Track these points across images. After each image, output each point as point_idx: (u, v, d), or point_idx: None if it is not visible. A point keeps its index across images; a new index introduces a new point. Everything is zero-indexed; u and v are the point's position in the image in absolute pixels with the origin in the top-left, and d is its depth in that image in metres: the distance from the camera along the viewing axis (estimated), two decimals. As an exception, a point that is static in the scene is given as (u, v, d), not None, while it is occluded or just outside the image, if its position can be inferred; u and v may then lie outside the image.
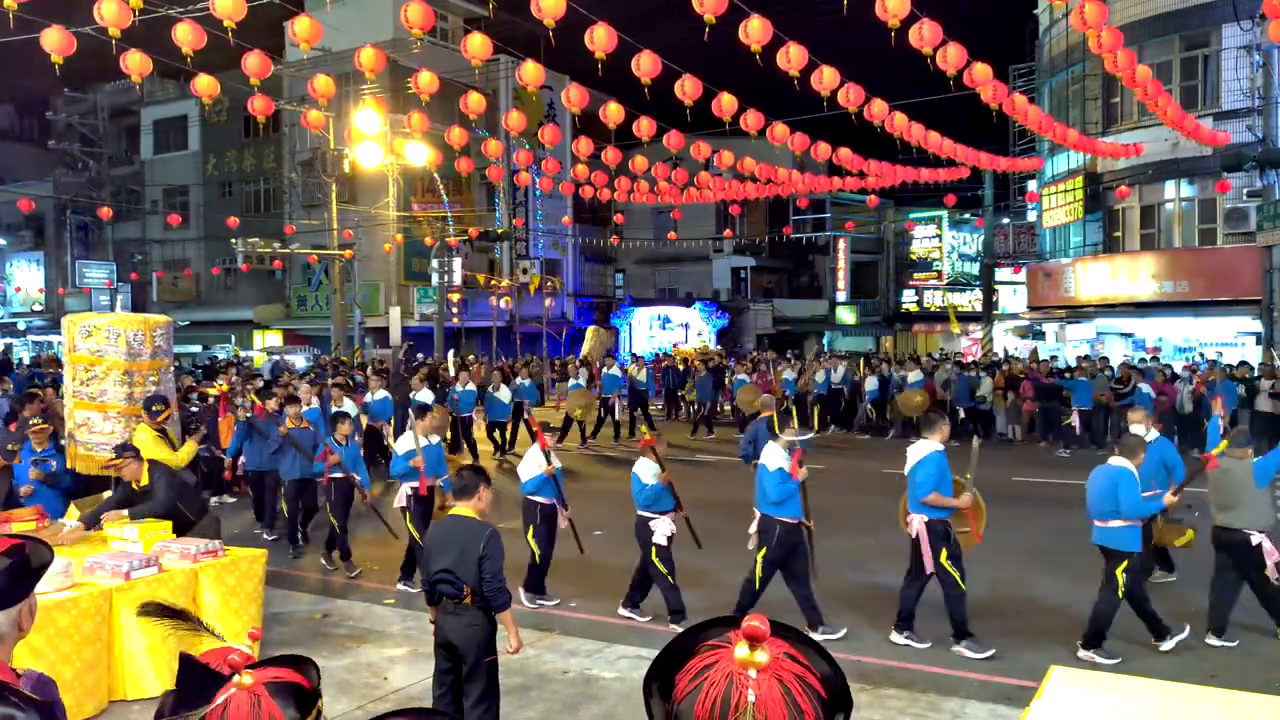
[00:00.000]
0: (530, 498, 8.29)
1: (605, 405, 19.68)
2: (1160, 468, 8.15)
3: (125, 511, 7.19)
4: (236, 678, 1.82)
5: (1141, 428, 8.46)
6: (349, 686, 6.39)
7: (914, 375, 19.82)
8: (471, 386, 17.36)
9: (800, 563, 7.47)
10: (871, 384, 20.84)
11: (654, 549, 7.58)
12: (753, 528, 7.56)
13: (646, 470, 7.68)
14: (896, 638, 7.28)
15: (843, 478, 14.78)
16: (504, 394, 17.25)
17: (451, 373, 20.00)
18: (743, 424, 18.16)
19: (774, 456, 7.40)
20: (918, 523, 7.12)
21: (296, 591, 8.88)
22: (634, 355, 28.39)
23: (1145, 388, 16.32)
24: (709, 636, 1.32)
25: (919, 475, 7.07)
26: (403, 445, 8.99)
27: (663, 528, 7.58)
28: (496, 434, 17.61)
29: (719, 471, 15.59)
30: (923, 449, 7.14)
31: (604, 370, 20.44)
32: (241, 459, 11.68)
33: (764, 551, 7.37)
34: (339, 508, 9.58)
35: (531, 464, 8.29)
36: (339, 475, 9.57)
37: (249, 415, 11.45)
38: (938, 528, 7.06)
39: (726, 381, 22.22)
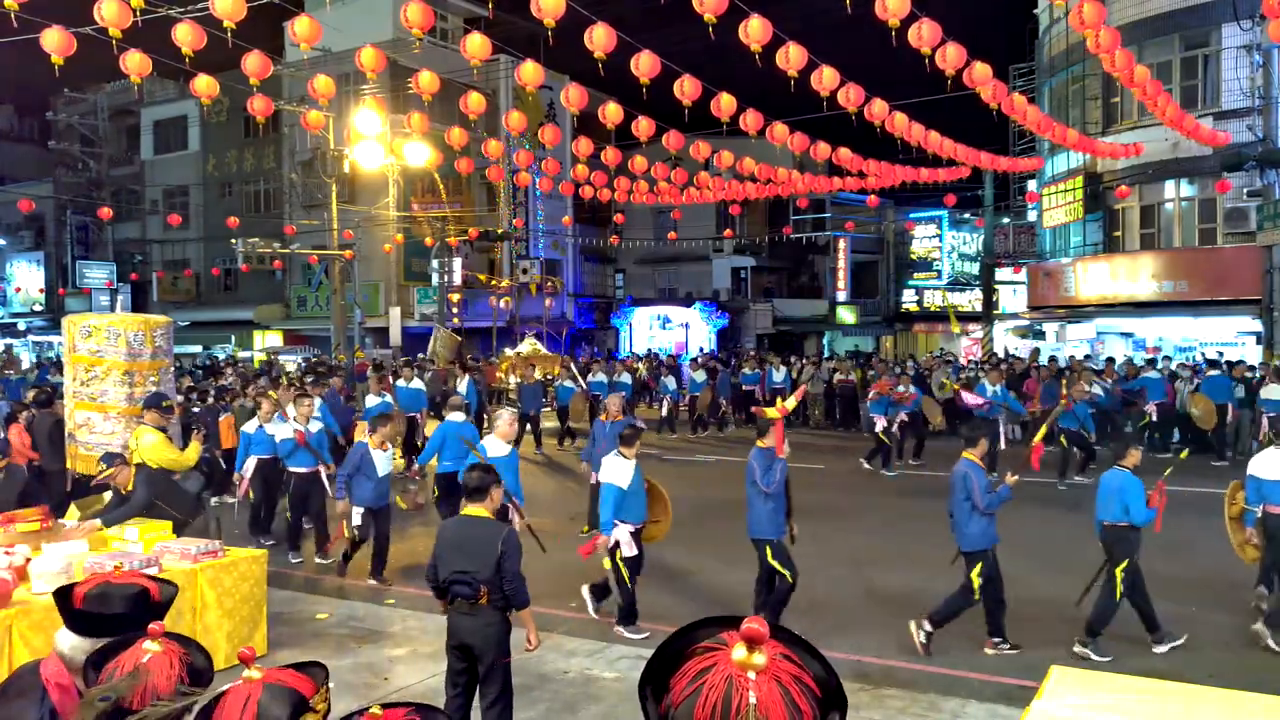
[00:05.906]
0: None
1: (408, 422, 15.88)
2: None
3: (98, 521, 7.10)
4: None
5: None
6: (350, 687, 6.38)
7: (699, 376, 21.53)
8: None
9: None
10: (670, 383, 22.41)
11: None
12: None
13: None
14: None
15: (840, 478, 14.78)
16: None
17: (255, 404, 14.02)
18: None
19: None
20: None
21: (297, 591, 8.89)
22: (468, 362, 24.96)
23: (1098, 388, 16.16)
24: (701, 638, 1.32)
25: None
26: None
27: None
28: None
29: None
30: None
31: (398, 383, 16.82)
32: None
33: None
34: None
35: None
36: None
37: None
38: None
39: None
